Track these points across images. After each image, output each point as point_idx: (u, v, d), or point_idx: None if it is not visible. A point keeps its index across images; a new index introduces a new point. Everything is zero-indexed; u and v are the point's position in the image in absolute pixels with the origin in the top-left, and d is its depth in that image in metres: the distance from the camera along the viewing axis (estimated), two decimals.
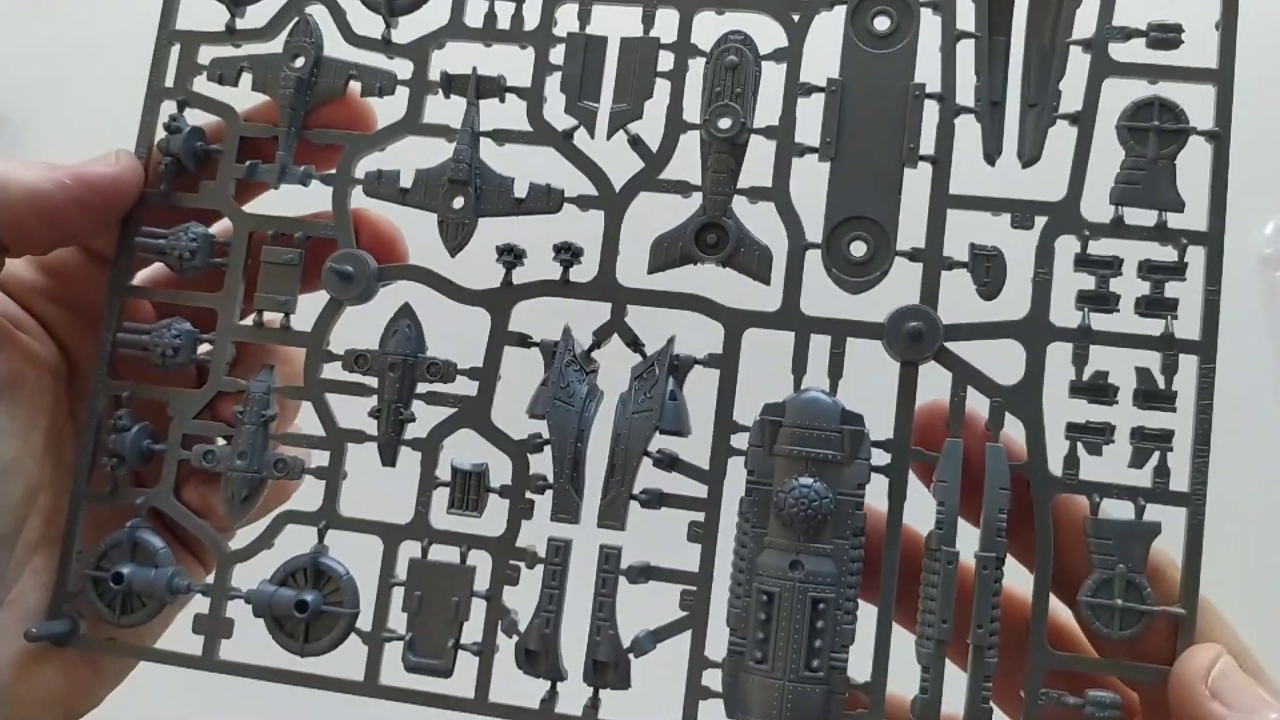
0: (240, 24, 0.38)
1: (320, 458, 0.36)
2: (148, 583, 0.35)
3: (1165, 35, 0.33)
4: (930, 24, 0.34)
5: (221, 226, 0.38)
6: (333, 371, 0.36)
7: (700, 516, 0.34)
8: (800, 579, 0.32)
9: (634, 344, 0.35)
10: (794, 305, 0.34)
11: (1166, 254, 0.33)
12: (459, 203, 0.36)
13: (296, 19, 0.37)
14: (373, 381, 0.36)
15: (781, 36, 0.35)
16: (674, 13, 0.36)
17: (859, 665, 0.32)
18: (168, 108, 0.38)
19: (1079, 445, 0.32)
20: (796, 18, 0.35)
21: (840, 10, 0.35)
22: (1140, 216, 0.33)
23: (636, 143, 0.35)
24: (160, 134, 0.37)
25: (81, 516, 0.36)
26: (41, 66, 0.66)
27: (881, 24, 0.34)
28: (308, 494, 0.36)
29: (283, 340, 0.37)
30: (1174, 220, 0.33)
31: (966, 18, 0.34)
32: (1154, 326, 0.32)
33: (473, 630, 0.35)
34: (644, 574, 0.34)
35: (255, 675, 0.35)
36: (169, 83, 0.38)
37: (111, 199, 0.36)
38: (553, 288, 0.35)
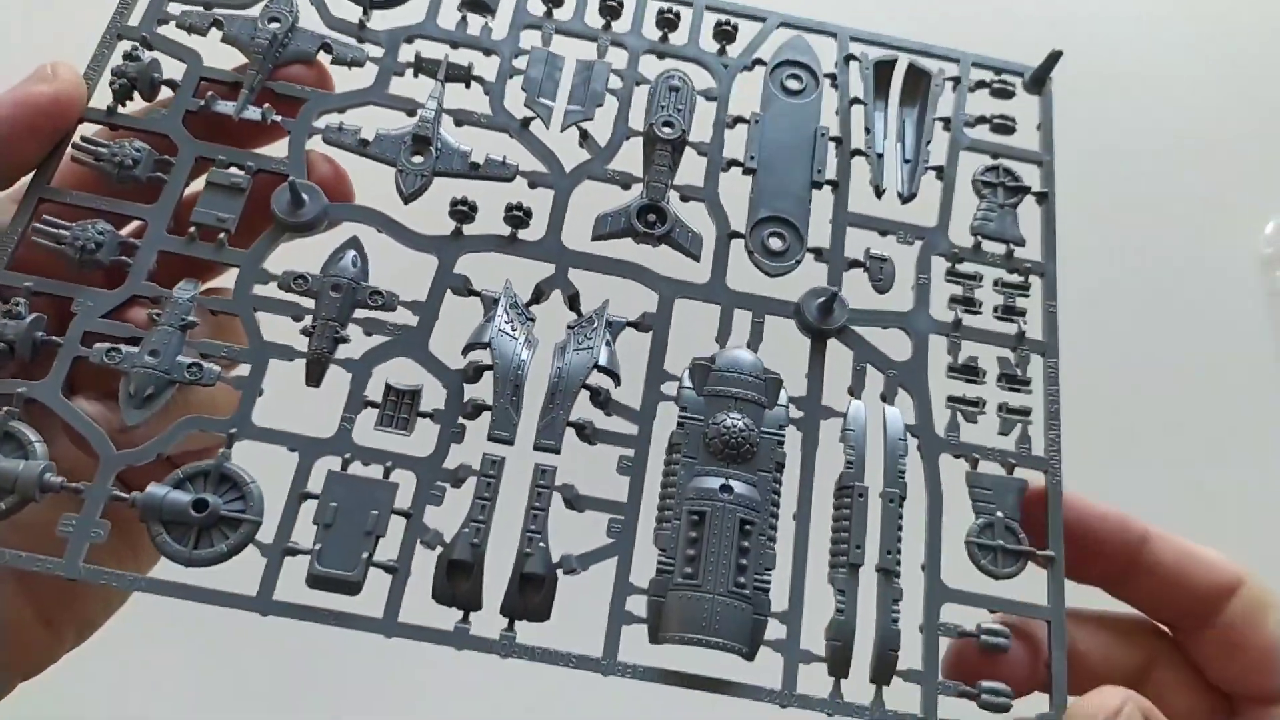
0: None
1: (239, 372, 0.34)
2: (13, 474, 0.31)
3: (1004, 123, 0.43)
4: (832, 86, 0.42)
5: None
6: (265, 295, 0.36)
7: (630, 452, 0.35)
8: (730, 500, 0.33)
9: (573, 300, 0.37)
10: (720, 281, 0.38)
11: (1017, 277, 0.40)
12: (419, 159, 0.38)
13: None
14: (308, 303, 0.36)
15: (711, 80, 0.42)
16: (624, 52, 0.42)
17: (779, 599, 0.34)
18: (125, 48, 0.39)
19: (958, 414, 0.37)
20: (726, 68, 0.42)
21: (760, 69, 0.42)
22: (993, 246, 0.40)
23: (586, 137, 0.40)
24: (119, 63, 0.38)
25: None
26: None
27: (793, 84, 0.42)
28: None
29: (215, 256, 0.36)
30: (1019, 252, 0.41)
31: (858, 87, 0.43)
32: (1010, 328, 0.39)
33: (388, 551, 0.33)
34: (575, 502, 0.34)
35: (126, 585, 0.31)
36: (134, 24, 0.39)
37: (56, 117, 0.36)
38: (501, 243, 0.38)
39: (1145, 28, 0.60)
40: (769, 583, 0.33)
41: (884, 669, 0.33)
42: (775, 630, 0.33)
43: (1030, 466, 0.37)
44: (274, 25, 0.39)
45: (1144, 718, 0.31)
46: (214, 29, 0.40)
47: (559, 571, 0.33)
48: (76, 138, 0.37)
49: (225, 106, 0.38)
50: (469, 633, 0.32)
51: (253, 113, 0.38)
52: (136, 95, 0.38)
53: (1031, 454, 0.37)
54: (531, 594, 0.33)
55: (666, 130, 0.40)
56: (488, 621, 0.33)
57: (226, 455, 0.33)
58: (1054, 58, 0.42)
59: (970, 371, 0.38)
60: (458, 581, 0.32)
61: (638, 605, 0.33)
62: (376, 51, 0.40)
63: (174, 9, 0.40)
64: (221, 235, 0.36)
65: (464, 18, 0.41)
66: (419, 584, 0.33)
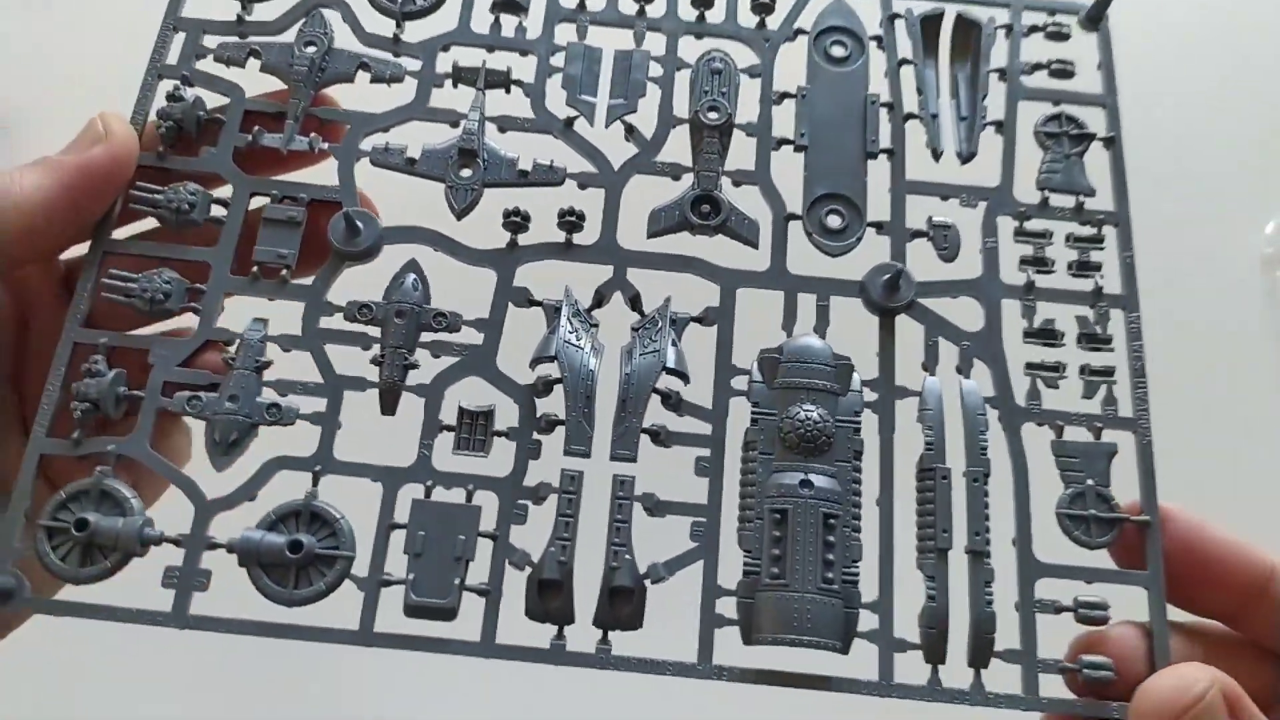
0: (248, 19, 0.40)
1: (316, 404, 0.35)
2: (114, 532, 0.32)
3: (1063, 68, 0.41)
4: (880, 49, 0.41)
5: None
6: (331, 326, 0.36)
7: (706, 452, 0.35)
8: (811, 495, 0.33)
9: (634, 301, 0.37)
10: (781, 266, 0.38)
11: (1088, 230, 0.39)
12: (467, 172, 0.38)
13: (309, 14, 0.40)
14: (375, 332, 0.36)
15: (755, 57, 0.41)
16: (661, 36, 0.41)
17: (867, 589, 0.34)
18: (167, 88, 0.39)
19: (1039, 381, 0.37)
20: (767, 42, 0.41)
21: (803, 39, 0.41)
22: (1061, 200, 0.39)
23: (631, 131, 0.39)
24: (162, 103, 0.38)
25: (37, 469, 0.33)
26: (40, 63, 0.64)
27: (837, 51, 0.41)
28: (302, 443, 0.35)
29: (280, 294, 0.36)
30: (1089, 203, 0.39)
31: (906, 47, 0.41)
32: (1086, 285, 0.38)
33: (478, 573, 0.33)
34: (655, 509, 0.34)
35: (235, 630, 0.32)
36: (172, 63, 0.39)
37: (114, 177, 0.36)
38: (557, 250, 0.38)
39: (1145, 28, 0.57)
40: (857, 575, 0.33)
41: (981, 652, 0.33)
42: (867, 621, 0.33)
43: (1118, 428, 0.36)
44: (311, 50, 0.39)
45: (1228, 703, 0.30)
46: (251, 59, 0.40)
47: (647, 582, 0.33)
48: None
49: (273, 140, 0.38)
50: (566, 648, 0.33)
51: (300, 143, 0.38)
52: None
53: (1118, 415, 0.36)
54: (622, 606, 0.33)
55: (713, 116, 0.39)
56: (582, 634, 0.33)
57: (314, 494, 0.34)
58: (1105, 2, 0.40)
59: (1048, 335, 0.37)
60: (549, 599, 0.33)
61: (727, 607, 0.33)
62: (414, 65, 0.40)
63: (210, 42, 0.40)
64: (283, 271, 0.36)
65: (497, 19, 0.41)
66: (511, 603, 0.33)
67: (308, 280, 0.37)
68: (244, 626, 0.32)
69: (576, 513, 0.34)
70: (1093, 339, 0.37)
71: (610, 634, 0.33)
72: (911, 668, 0.33)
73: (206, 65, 0.39)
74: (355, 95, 0.40)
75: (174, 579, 0.32)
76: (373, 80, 0.40)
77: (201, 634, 0.32)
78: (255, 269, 0.36)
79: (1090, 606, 0.34)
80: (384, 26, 0.40)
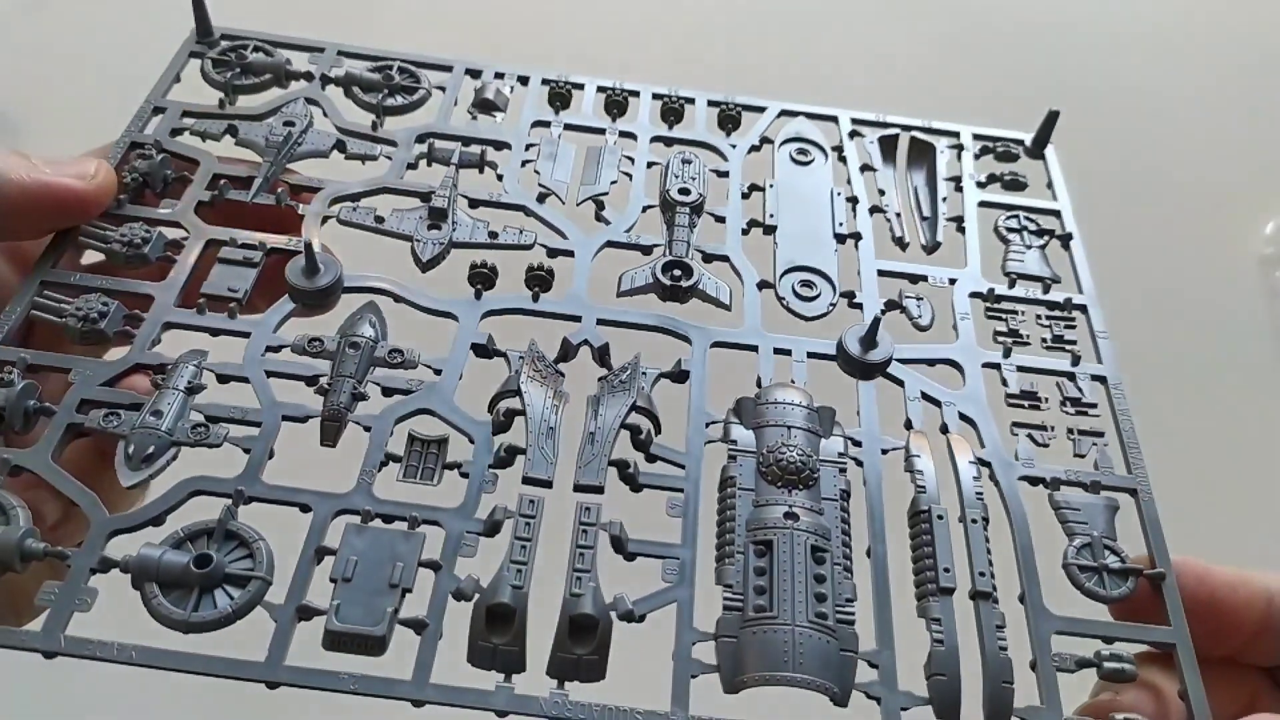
0: (230, 108, 0.41)
1: (249, 432, 0.32)
2: None
3: (1015, 179, 0.43)
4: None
5: None
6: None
7: (680, 495, 0.32)
8: (797, 526, 0.30)
9: (603, 353, 0.35)
10: (755, 326, 0.36)
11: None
12: (435, 231, 0.38)
13: (290, 102, 0.41)
14: (324, 365, 0.33)
15: (722, 163, 0.42)
16: (633, 142, 0.43)
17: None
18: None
19: (1030, 439, 0.35)
20: (734, 147, 0.43)
21: (768, 147, 0.43)
22: (1030, 286, 0.39)
23: (602, 208, 0.40)
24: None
25: None
26: (39, 61, 0.63)
27: (801, 156, 0.43)
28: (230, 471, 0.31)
29: (225, 325, 0.34)
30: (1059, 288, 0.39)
31: (866, 156, 0.43)
32: (1064, 358, 0.37)
33: (416, 607, 0.29)
34: (623, 544, 0.30)
35: (114, 657, 0.27)
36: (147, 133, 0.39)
37: (77, 214, 0.35)
38: (524, 301, 0.36)
39: (1145, 30, 0.61)
40: (853, 615, 0.29)
41: (1001, 707, 0.28)
42: (865, 674, 0.29)
43: (1118, 486, 0.33)
44: (288, 127, 0.40)
45: None
46: (228, 135, 0.40)
47: (613, 615, 0.29)
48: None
49: (238, 194, 0.37)
50: (513, 692, 0.27)
51: (267, 198, 0.37)
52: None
53: (1114, 472, 0.34)
54: (583, 643, 0.28)
55: (684, 196, 0.39)
56: (534, 682, 0.28)
57: (231, 512, 0.29)
58: (1052, 118, 0.43)
59: (1031, 397, 0.36)
60: (498, 633, 0.28)
61: (705, 654, 0.29)
62: (389, 149, 0.40)
63: (189, 121, 0.40)
64: (232, 305, 0.34)
65: (475, 118, 0.42)
66: (454, 644, 0.28)
67: (257, 317, 0.35)
68: (125, 652, 0.27)
69: (535, 537, 0.30)
70: (1076, 403, 0.36)
71: (567, 684, 0.28)
72: None
73: (184, 138, 0.40)
74: (327, 169, 0.40)
75: (51, 595, 0.27)
76: (347, 158, 0.40)
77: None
78: (201, 300, 0.34)
79: (1117, 659, 0.29)
80: (363, 119, 0.42)
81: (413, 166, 0.40)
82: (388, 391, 0.33)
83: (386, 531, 0.30)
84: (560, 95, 0.43)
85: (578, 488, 0.31)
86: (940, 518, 0.31)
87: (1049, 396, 0.36)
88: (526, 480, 0.31)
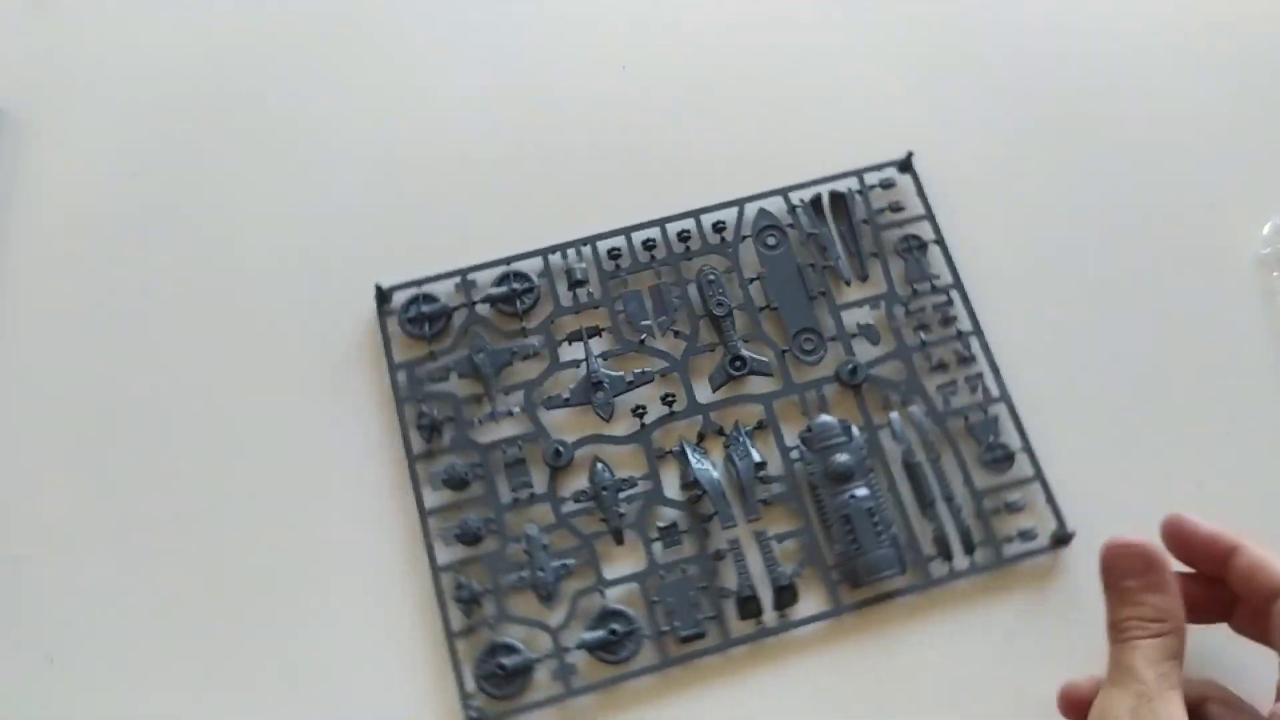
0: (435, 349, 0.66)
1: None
2: None
3: (898, 206, 0.69)
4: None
5: None
6: None
7: (790, 502, 0.63)
8: (857, 500, 0.62)
9: (717, 429, 0.65)
10: (789, 381, 0.66)
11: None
12: (600, 395, 0.65)
13: (465, 331, 0.66)
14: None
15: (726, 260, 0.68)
16: (671, 268, 0.68)
17: None
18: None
19: (944, 393, 0.66)
20: (730, 250, 0.68)
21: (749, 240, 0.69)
22: (922, 286, 0.68)
23: (678, 334, 0.67)
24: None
25: None
26: (47, 62, 0.68)
27: (771, 241, 0.69)
28: None
29: None
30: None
31: (810, 222, 0.69)
32: (950, 332, 0.67)
33: None
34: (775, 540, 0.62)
35: None
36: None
37: None
38: (667, 418, 0.65)
39: (1144, 29, 0.62)
40: (896, 532, 0.62)
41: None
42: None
43: (993, 404, 0.65)
44: (479, 355, 0.65)
45: None
46: (453, 373, 0.66)
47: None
48: None
49: (482, 415, 0.64)
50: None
51: (498, 415, 0.65)
52: None
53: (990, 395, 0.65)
54: (786, 599, 0.61)
55: (721, 309, 0.66)
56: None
57: None
58: (909, 157, 0.69)
59: (942, 367, 0.66)
60: (750, 610, 0.61)
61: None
62: (537, 340, 0.66)
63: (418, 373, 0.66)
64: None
65: (574, 293, 0.68)
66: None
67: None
68: None
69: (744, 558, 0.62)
70: (963, 360, 0.66)
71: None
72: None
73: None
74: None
75: None
76: (522, 359, 0.66)
77: None
78: None
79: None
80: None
81: (558, 346, 0.66)
82: (630, 500, 0.63)
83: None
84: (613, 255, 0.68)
85: (748, 520, 0.62)
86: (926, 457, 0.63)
87: (950, 364, 0.66)
88: (725, 527, 0.62)
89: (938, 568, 0.62)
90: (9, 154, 0.64)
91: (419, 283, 0.66)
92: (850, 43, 0.71)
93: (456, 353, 0.66)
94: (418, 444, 0.63)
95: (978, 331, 0.66)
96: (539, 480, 0.64)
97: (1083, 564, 0.57)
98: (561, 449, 0.64)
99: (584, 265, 0.68)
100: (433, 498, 0.62)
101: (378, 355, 0.65)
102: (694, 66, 0.73)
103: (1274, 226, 0.56)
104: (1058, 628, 0.57)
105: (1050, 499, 0.61)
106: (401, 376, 0.65)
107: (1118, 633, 0.44)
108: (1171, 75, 0.62)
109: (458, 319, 0.67)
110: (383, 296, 0.66)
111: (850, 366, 0.65)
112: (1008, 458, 0.64)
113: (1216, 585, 0.46)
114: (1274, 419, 0.55)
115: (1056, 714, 0.49)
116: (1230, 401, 0.56)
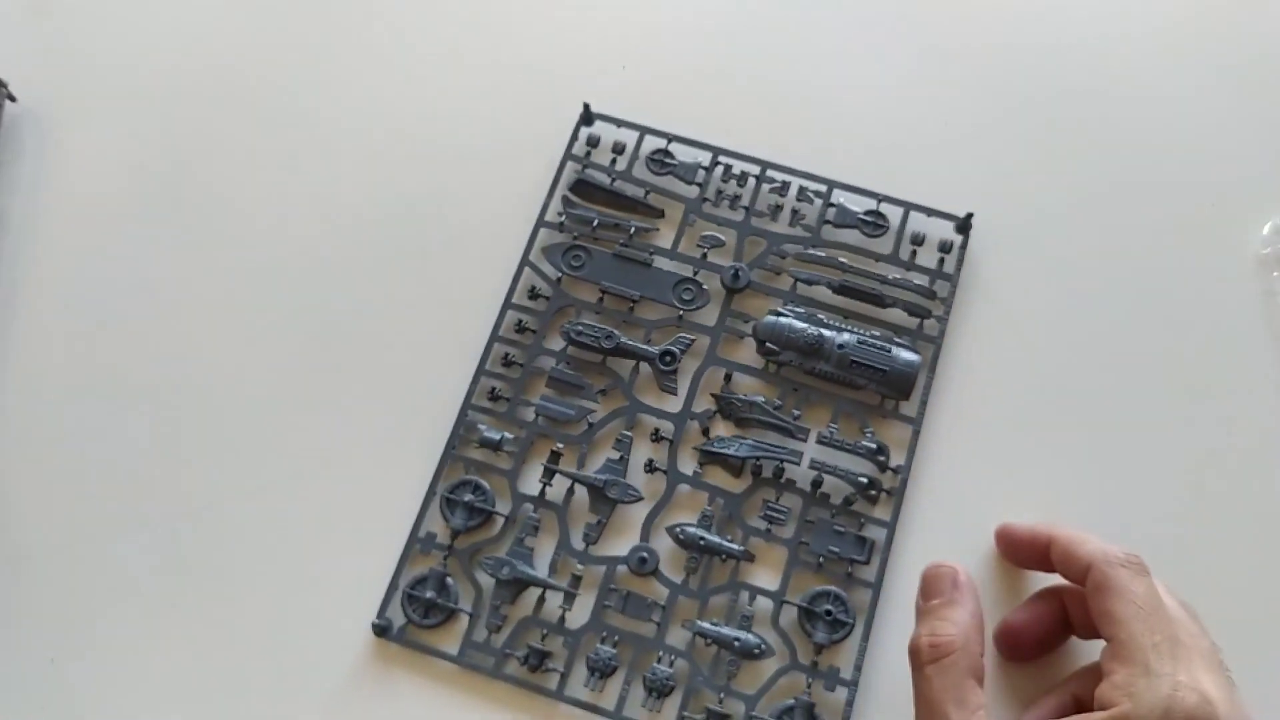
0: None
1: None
2: None
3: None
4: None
5: None
6: None
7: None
8: None
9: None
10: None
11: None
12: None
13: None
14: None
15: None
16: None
17: None
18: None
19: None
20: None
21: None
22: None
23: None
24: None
25: None
26: (65, 58, 0.66)
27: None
28: None
29: None
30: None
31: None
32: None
33: None
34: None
35: None
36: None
37: None
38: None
39: (1143, 29, 0.60)
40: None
41: None
42: None
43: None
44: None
45: None
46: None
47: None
48: None
49: None
50: None
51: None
52: None
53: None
54: None
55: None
56: None
57: None
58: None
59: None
60: None
61: None
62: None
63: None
64: None
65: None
66: None
67: None
68: None
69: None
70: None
71: None
72: None
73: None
74: None
75: None
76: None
77: None
78: None
79: None
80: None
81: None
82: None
83: None
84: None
85: None
86: None
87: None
88: None
89: None
90: (32, 151, 0.63)
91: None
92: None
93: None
94: None
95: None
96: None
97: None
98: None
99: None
100: None
101: None
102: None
103: (1274, 226, 0.56)
104: None
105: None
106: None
107: (912, 657, 0.43)
108: (1171, 75, 0.61)
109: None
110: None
111: (733, 271, 0.58)
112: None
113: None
114: (1274, 419, 0.54)
115: None
116: (1230, 401, 0.54)
